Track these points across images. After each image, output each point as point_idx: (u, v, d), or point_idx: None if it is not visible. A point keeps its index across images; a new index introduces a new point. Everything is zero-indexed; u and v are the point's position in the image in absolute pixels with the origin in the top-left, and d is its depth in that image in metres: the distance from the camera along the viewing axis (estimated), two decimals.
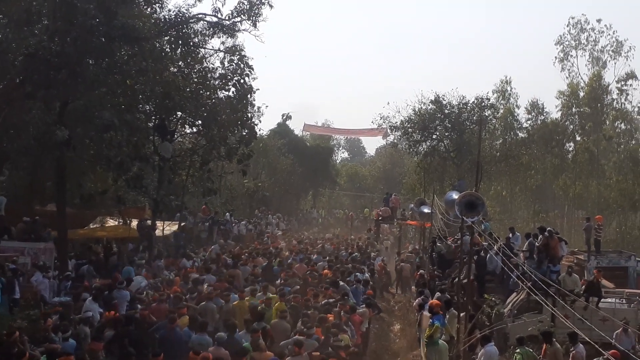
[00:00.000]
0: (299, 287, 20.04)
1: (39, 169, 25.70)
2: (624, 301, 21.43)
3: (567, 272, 21.78)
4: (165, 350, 12.68)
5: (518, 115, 63.90)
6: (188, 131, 34.67)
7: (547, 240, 22.32)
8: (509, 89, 67.50)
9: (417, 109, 47.96)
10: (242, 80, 32.04)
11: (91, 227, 30.87)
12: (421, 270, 28.52)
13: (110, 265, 24.11)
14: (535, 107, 64.09)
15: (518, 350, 15.65)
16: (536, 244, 22.56)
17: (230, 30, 30.16)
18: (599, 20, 68.35)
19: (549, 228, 23.77)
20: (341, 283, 20.12)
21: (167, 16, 27.94)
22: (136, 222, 31.19)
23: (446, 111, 47.71)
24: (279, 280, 21.49)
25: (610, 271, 25.99)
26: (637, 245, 47.60)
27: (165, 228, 33.64)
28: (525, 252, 23.12)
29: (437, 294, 20.85)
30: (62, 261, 23.11)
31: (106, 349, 12.95)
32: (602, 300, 20.72)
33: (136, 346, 12.67)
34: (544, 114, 64.22)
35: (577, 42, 68.74)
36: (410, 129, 48.37)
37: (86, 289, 18.61)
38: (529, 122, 63.43)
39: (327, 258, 27.58)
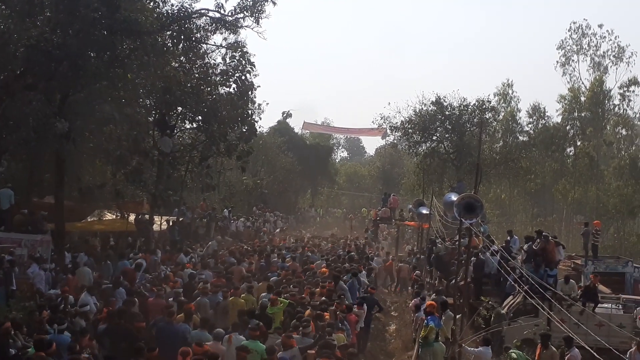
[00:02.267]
0: (297, 287, 20.00)
1: (38, 161, 25.65)
2: (620, 307, 21.42)
3: (564, 280, 21.76)
4: (163, 344, 12.68)
5: (520, 118, 64.00)
6: (188, 126, 34.67)
7: (544, 244, 22.32)
8: (510, 92, 67.64)
9: (417, 110, 47.79)
10: (243, 77, 32.06)
11: (89, 220, 30.88)
12: (417, 271, 28.50)
13: (106, 259, 24.02)
14: (536, 111, 64.17)
15: (514, 354, 15.65)
16: (533, 247, 22.55)
17: (233, 27, 30.10)
18: (600, 26, 68.47)
19: (545, 232, 23.77)
20: (340, 282, 20.06)
21: (169, 11, 27.88)
22: (134, 217, 31.18)
23: (447, 113, 47.49)
24: (273, 277, 21.42)
25: (608, 277, 25.98)
26: (634, 251, 47.72)
27: (163, 223, 33.68)
28: (523, 254, 23.12)
29: (433, 295, 20.84)
30: (59, 254, 23.07)
31: (98, 342, 12.94)
32: (598, 305, 20.74)
33: (126, 340, 12.61)
34: (545, 118, 64.35)
35: (578, 47, 68.72)
36: (410, 130, 48.17)
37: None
38: (530, 125, 63.57)
39: (327, 257, 27.54)
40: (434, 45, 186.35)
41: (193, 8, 28.69)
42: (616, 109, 65.78)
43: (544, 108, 64.48)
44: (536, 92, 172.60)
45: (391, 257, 35.01)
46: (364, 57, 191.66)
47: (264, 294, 17.97)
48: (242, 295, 17.77)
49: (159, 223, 33.07)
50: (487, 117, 48.77)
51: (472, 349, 15.39)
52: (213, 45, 31.54)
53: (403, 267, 32.38)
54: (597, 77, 65.79)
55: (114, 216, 32.25)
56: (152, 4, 26.05)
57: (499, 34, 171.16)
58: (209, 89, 31.35)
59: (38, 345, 11.43)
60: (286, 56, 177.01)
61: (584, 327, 16.35)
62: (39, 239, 22.83)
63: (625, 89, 64.66)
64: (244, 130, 33.58)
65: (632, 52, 67.12)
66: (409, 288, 29.23)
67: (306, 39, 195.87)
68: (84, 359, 11.46)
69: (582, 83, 67.95)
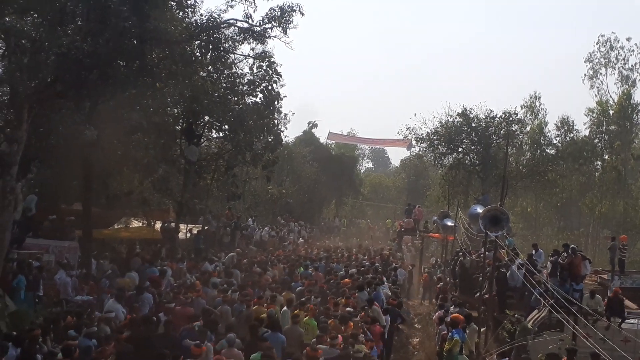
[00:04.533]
0: (319, 297, 19.99)
1: (67, 168, 25.92)
2: None
3: (590, 294, 21.52)
4: (184, 350, 12.74)
5: (549, 132, 63.53)
6: (215, 135, 34.98)
7: (571, 258, 22.14)
8: (537, 104, 67.25)
9: (443, 121, 47.70)
10: (269, 87, 32.25)
11: (115, 227, 31.15)
12: (441, 283, 28.38)
13: (132, 266, 24.17)
14: (565, 124, 63.67)
15: None
16: (559, 260, 22.38)
17: (261, 37, 30.31)
18: (628, 39, 67.74)
19: (572, 245, 23.59)
20: (359, 293, 20.01)
21: (198, 20, 28.15)
22: (160, 224, 31.39)
23: (473, 124, 47.36)
24: (298, 288, 21.41)
25: (634, 292, 25.67)
26: None
27: (188, 231, 33.86)
28: (548, 266, 22.94)
29: (452, 308, 20.70)
30: (86, 260, 23.28)
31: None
32: (625, 321, 20.50)
33: (149, 347, 12.68)
34: (574, 132, 63.87)
35: (606, 60, 68.06)
36: (436, 141, 48.10)
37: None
38: (557, 138, 63.07)
39: (350, 267, 27.45)
40: (461, 57, 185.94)
41: (222, 18, 28.94)
42: None
43: (573, 121, 64.07)
44: (564, 105, 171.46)
45: (427, 270, 34.88)
46: (390, 67, 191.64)
47: (284, 309, 17.87)
48: (265, 304, 17.79)
49: (184, 231, 33.26)
50: (514, 129, 48.55)
51: None
52: (241, 55, 31.79)
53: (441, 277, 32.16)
54: (625, 91, 65.19)
55: (141, 224, 32.50)
56: (181, 13, 26.30)
57: (527, 46, 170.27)
58: (235, 98, 31.57)
59: (66, 352, 11.59)
60: (310, 64, 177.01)
61: (610, 342, 16.21)
62: (66, 246, 23.14)
63: None
64: (270, 139, 33.75)
65: None
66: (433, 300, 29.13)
67: (332, 47, 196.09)
68: None
69: (610, 96, 67.40)
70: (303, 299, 18.77)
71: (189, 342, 13.14)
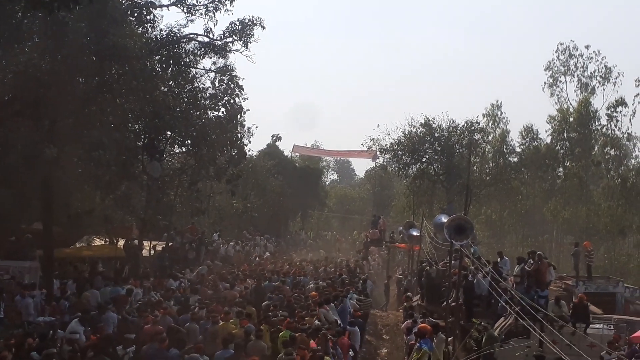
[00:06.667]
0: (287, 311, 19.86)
1: (26, 188, 25.49)
2: (612, 327, 21.37)
3: (555, 300, 21.68)
4: None
5: (512, 140, 64.09)
6: (177, 151, 34.71)
7: (537, 265, 22.31)
8: (499, 113, 67.84)
9: (407, 132, 47.89)
10: (232, 101, 32.12)
11: (77, 246, 30.69)
12: (408, 293, 28.37)
13: (95, 285, 23.76)
14: (529, 132, 64.33)
15: None
16: (526, 267, 22.52)
17: (222, 51, 30.26)
18: (587, 47, 68.71)
19: (538, 252, 23.76)
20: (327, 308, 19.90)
21: (158, 36, 28.01)
22: (123, 242, 30.99)
23: (436, 134, 47.66)
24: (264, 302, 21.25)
25: (599, 297, 25.99)
26: (625, 271, 47.90)
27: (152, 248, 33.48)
28: (517, 277, 23.05)
29: (420, 318, 20.68)
30: (48, 280, 22.85)
31: None
32: (590, 326, 20.68)
33: None
34: (538, 140, 64.50)
35: (566, 68, 68.90)
36: (400, 152, 48.28)
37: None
38: (521, 147, 63.67)
39: (323, 281, 27.37)
40: (421, 67, 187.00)
41: (182, 33, 28.88)
42: (604, 129, 66.06)
43: (537, 130, 64.76)
44: (527, 113, 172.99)
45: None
46: (352, 78, 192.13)
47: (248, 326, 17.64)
48: (231, 320, 17.61)
49: (148, 248, 32.86)
50: (476, 138, 48.97)
51: None
52: (202, 69, 31.67)
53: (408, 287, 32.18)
54: (583, 98, 66.03)
55: (103, 242, 32.06)
56: (140, 29, 26.13)
57: (487, 56, 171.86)
58: (198, 113, 31.39)
59: None
60: (273, 78, 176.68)
61: (576, 348, 16.29)
62: (26, 266, 22.68)
63: (612, 109, 64.88)
64: (234, 153, 33.61)
65: (619, 73, 67.13)
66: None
67: (292, 61, 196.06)
68: None
69: (570, 104, 68.18)
70: (270, 313, 18.70)
71: None
